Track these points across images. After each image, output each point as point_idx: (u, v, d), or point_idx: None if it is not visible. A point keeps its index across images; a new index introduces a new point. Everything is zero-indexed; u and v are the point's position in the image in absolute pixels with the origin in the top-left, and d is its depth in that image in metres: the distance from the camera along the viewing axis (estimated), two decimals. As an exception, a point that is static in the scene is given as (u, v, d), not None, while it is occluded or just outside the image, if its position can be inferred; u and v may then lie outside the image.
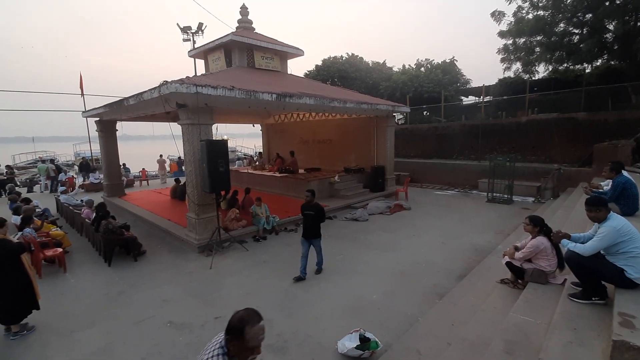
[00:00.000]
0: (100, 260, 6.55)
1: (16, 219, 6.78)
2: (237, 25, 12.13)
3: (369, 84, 23.21)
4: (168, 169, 22.29)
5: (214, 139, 7.11)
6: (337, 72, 23.73)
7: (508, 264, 4.34)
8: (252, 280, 5.55)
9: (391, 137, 12.19)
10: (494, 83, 17.84)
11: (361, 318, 4.25)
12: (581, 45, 12.93)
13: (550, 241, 3.93)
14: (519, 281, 4.28)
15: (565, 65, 14.80)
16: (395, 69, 24.87)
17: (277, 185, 12.15)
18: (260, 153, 18.55)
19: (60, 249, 6.24)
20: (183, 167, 19.71)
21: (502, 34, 15.17)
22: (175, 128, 7.39)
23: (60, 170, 16.40)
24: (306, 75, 24.63)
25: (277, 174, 12.44)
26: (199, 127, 6.78)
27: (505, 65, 15.76)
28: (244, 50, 11.16)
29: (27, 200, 8.24)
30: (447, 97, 18.57)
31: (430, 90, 19.20)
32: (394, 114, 12.47)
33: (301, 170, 12.83)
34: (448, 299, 4.59)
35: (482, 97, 17.11)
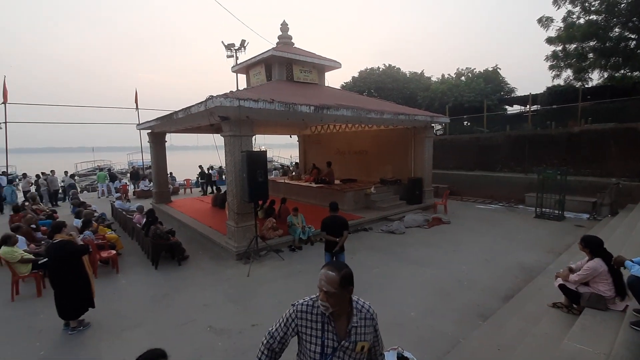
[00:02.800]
0: (148, 263, 6.97)
1: (77, 222, 7.44)
2: (278, 40, 12.60)
3: (406, 95, 22.93)
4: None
5: (253, 150, 7.38)
6: (374, 83, 23.73)
7: (562, 287, 4.01)
8: (287, 290, 5.60)
9: (429, 148, 11.89)
10: (542, 91, 16.85)
11: (399, 335, 4.12)
12: (638, 51, 11.88)
13: (608, 264, 3.60)
14: (574, 306, 3.93)
15: (622, 71, 13.65)
16: (433, 78, 24.40)
17: (313, 195, 12.27)
18: (296, 163, 18.90)
19: (114, 251, 6.75)
20: (223, 177, 20.60)
21: (550, 40, 14.37)
22: (218, 139, 7.77)
23: (115, 178, 17.81)
24: (342, 87, 24.89)
25: (313, 185, 12.57)
26: (240, 139, 7.07)
27: (554, 72, 14.87)
28: (284, 65, 11.55)
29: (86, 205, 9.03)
30: (490, 107, 17.83)
31: (472, 100, 18.55)
32: (432, 125, 12.18)
33: (337, 181, 12.86)
34: (493, 321, 4.32)
35: (528, 106, 16.21)
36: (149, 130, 12.93)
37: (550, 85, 16.43)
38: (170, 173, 18.48)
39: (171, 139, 14.12)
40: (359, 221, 9.52)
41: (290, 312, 1.83)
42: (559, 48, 14.32)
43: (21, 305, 5.29)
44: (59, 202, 15.08)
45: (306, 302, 1.82)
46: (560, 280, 4.05)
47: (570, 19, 13.56)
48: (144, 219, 7.81)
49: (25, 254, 5.70)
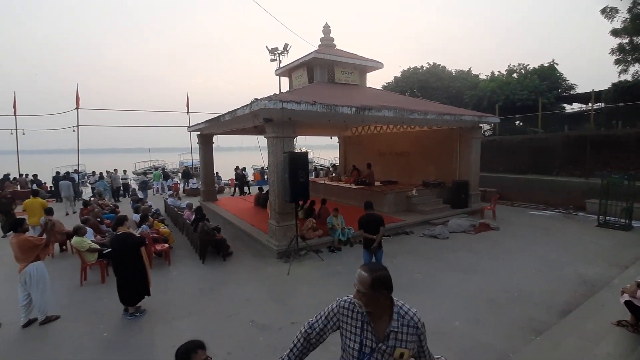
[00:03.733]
0: (196, 258, 7.40)
1: (136, 217, 8.11)
2: (320, 43, 12.74)
3: (452, 94, 22.01)
4: (252, 177, 24.20)
5: (295, 151, 7.54)
6: (417, 83, 23.09)
7: (628, 304, 3.62)
8: (326, 291, 5.64)
9: (477, 149, 11.30)
10: (607, 88, 15.27)
11: (442, 345, 3.97)
12: None
13: None
14: (644, 326, 3.53)
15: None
16: (482, 76, 23.15)
17: (352, 196, 12.22)
18: (335, 165, 18.95)
19: (166, 245, 7.27)
20: (265, 176, 21.25)
21: (615, 33, 13.00)
22: (262, 140, 8.04)
23: (168, 177, 19.14)
24: (384, 87, 24.51)
25: (353, 186, 12.53)
26: (283, 140, 7.26)
27: (620, 67, 13.43)
28: (325, 67, 11.65)
29: (143, 201, 9.82)
30: (545, 105, 16.52)
31: (524, 98, 17.33)
32: (480, 125, 11.57)
33: (377, 183, 12.69)
34: (547, 337, 4.00)
35: (591, 104, 14.78)
36: (199, 132, 13.72)
37: (616, 81, 14.85)
38: (217, 173, 19.47)
39: (218, 140, 14.89)
40: (400, 224, 9.32)
41: (333, 307, 1.86)
42: (626, 41, 12.89)
43: (88, 290, 5.88)
44: (121, 198, 16.53)
45: (349, 299, 1.84)
46: (626, 297, 3.66)
47: (637, 10, 12.14)
48: (193, 216, 8.31)
49: (92, 244, 6.34)
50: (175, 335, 4.40)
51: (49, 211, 7.33)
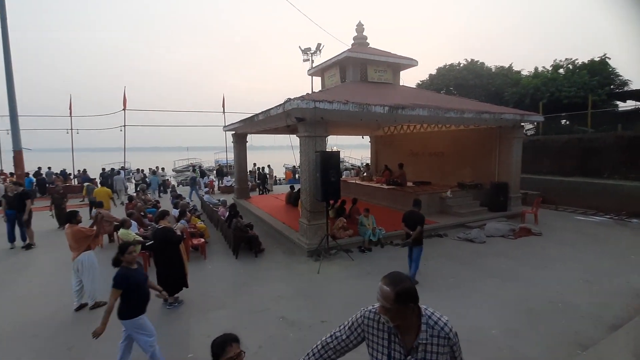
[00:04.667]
0: (230, 253, 7.66)
1: (175, 212, 8.53)
2: (353, 42, 12.67)
3: (491, 91, 21.02)
4: (283, 176, 24.61)
5: (326, 150, 7.57)
6: (453, 80, 22.28)
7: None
8: (356, 291, 5.61)
9: (518, 150, 10.71)
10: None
11: (478, 354, 3.81)
12: None
13: None
14: None
15: None
16: (524, 72, 21.88)
17: (384, 197, 12.06)
18: (367, 164, 18.77)
19: (202, 239, 7.59)
20: (297, 175, 21.53)
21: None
22: (294, 139, 8.15)
23: (204, 175, 19.94)
24: (418, 85, 23.91)
25: (385, 186, 12.35)
26: (315, 139, 7.31)
27: (689, 59, 12.06)
28: (358, 66, 11.57)
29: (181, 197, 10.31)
30: (596, 103, 15.31)
31: (572, 95, 16.18)
32: (522, 124, 10.95)
33: (409, 183, 12.42)
34: (594, 353, 3.72)
35: (651, 100, 13.47)
36: (233, 132, 14.17)
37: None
38: (250, 171, 20.01)
39: (251, 139, 15.27)
40: (433, 226, 9.05)
41: (357, 317, 1.79)
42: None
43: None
44: (161, 194, 17.47)
45: (374, 310, 1.75)
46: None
47: None
48: (227, 213, 8.60)
49: (137, 236, 6.76)
50: (210, 326, 4.59)
51: (99, 204, 7.94)
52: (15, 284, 6.17)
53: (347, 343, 1.80)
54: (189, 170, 26.63)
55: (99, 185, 15.22)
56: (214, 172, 24.38)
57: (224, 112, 21.82)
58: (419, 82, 24.78)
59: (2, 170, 19.57)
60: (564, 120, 16.73)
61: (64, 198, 10.49)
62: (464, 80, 21.90)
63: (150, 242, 5.57)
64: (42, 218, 10.48)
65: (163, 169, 20.46)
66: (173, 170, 32.83)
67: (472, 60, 23.20)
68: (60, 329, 4.60)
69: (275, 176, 20.40)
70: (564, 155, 13.95)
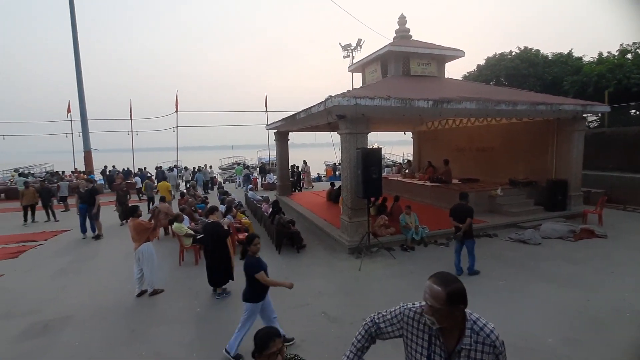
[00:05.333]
0: (272, 248, 7.90)
1: (222, 208, 8.98)
2: (395, 35, 12.37)
3: (547, 81, 19.34)
4: (324, 173, 24.76)
5: (368, 147, 7.49)
6: (504, 70, 20.81)
7: None
8: (399, 290, 5.52)
9: (579, 144, 9.77)
10: None
11: (529, 361, 3.59)
12: None
13: None
14: None
15: None
16: (586, 58, 19.84)
17: (427, 194, 11.67)
18: (409, 161, 18.27)
19: (247, 234, 7.90)
20: (337, 172, 21.56)
21: None
22: (336, 137, 8.17)
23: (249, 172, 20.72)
24: (465, 77, 22.72)
25: (428, 183, 11.95)
26: (356, 136, 7.27)
27: None
28: (400, 59, 11.27)
29: (228, 193, 10.82)
30: (677, 89, 13.43)
31: (645, 82, 14.34)
32: (584, 116, 9.96)
33: (455, 180, 11.89)
34: (673, 370, 3.31)
35: None
36: (275, 130, 14.54)
37: None
38: (298, 166, 20.39)
39: (293, 137, 15.56)
40: (482, 226, 8.59)
41: (398, 312, 1.76)
42: None
43: (185, 270, 6.74)
44: (209, 191, 18.47)
45: (414, 309, 1.70)
46: None
47: None
48: (270, 209, 8.87)
49: (188, 230, 7.24)
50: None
51: (161, 199, 8.62)
52: (87, 270, 6.92)
53: (386, 334, 1.79)
54: (233, 168, 27.82)
55: (155, 182, 16.50)
56: (257, 169, 25.24)
57: (266, 111, 22.48)
58: (466, 73, 23.51)
59: (76, 168, 21.89)
60: (634, 111, 14.89)
61: (127, 195, 11.49)
62: (516, 70, 20.36)
63: (201, 236, 5.93)
64: (109, 212, 11.56)
65: (210, 166, 21.60)
66: (219, 168, 34.50)
67: (525, 47, 21.49)
68: (125, 312, 5.07)
69: (309, 173, 20.55)
70: (633, 149, 12.44)
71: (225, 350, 3.85)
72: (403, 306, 1.76)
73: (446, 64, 12.14)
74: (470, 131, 13.08)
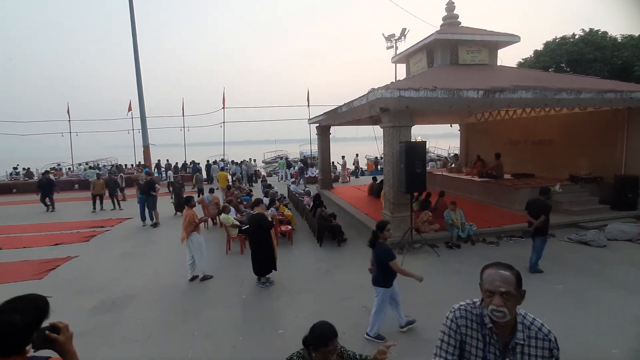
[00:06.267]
0: (314, 241, 8.03)
1: (265, 200, 9.30)
2: (442, 22, 11.80)
3: (616, 66, 17.32)
4: (365, 167, 24.54)
5: (411, 140, 7.29)
6: (566, 56, 18.95)
7: None
8: (443, 289, 5.34)
9: (657, 136, 8.65)
10: None
11: (590, 372, 3.31)
12: None
13: None
14: None
15: None
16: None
17: (475, 190, 11.09)
18: (456, 155, 17.44)
19: (290, 227, 8.12)
20: (379, 166, 21.26)
21: None
22: (378, 130, 8.05)
23: (290, 166, 21.17)
24: (520, 64, 21.06)
25: (477, 178, 11.33)
26: (399, 130, 7.10)
27: None
28: (447, 48, 10.74)
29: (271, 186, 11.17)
30: None
31: None
32: (664, 103, 8.78)
33: (507, 176, 11.15)
34: None
35: None
36: (317, 124, 14.65)
37: None
38: (333, 162, 20.49)
39: (334, 131, 15.58)
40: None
41: (451, 318, 1.62)
42: None
43: (231, 259, 7.12)
44: (253, 184, 19.19)
45: (464, 307, 1.61)
46: None
47: None
48: (312, 202, 9.01)
49: (235, 220, 7.61)
50: (297, 307, 4.93)
51: (210, 191, 9.17)
52: (146, 255, 7.58)
53: (459, 349, 1.60)
54: (276, 162, 28.55)
55: (205, 175, 17.52)
56: (299, 163, 25.68)
57: (308, 105, 22.69)
58: (521, 60, 21.78)
59: (139, 162, 23.91)
60: None
61: (182, 188, 12.30)
62: (580, 55, 18.42)
63: (246, 227, 6.20)
64: (165, 203, 12.47)
65: (254, 160, 22.39)
66: (263, 162, 35.60)
67: (590, 30, 19.34)
68: (179, 294, 5.49)
69: (348, 168, 20.43)
70: None
71: (367, 334, 4.07)
72: (453, 309, 1.64)
73: (499, 51, 11.35)
74: (525, 122, 12.13)
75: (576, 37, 19.53)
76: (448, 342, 1.60)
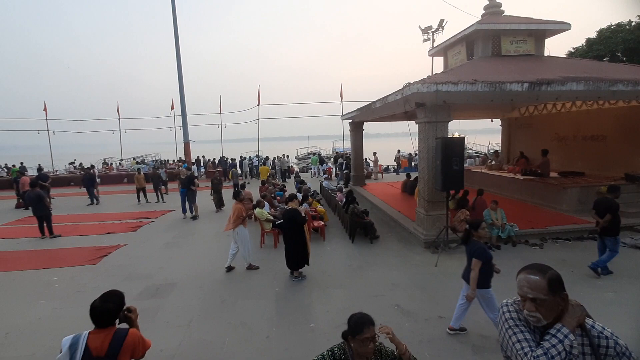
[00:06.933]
0: (346, 237, 8.05)
1: (299, 196, 9.44)
2: (483, 12, 11.21)
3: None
4: (394, 164, 24.03)
5: (448, 136, 7.04)
6: (622, 44, 17.27)
7: None
8: (481, 290, 5.15)
9: None
10: None
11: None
12: None
13: None
14: None
15: None
16: None
17: (517, 189, 10.51)
18: (496, 151, 16.58)
19: (322, 222, 8.20)
20: (413, 163, 20.75)
21: None
22: (413, 126, 7.86)
23: (323, 162, 21.27)
24: (570, 54, 19.53)
25: (519, 176, 10.72)
26: (435, 125, 6.88)
27: None
28: (489, 39, 10.19)
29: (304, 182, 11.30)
30: None
31: None
32: None
33: (554, 174, 10.44)
34: None
35: None
36: (350, 120, 14.58)
37: None
38: (365, 159, 20.30)
39: (367, 127, 15.41)
40: (587, 227, 7.44)
41: (505, 310, 1.56)
42: None
43: (265, 252, 7.32)
44: (286, 179, 19.53)
45: (510, 303, 1.57)
46: None
47: None
48: (344, 198, 9.00)
49: (269, 215, 7.81)
50: (329, 302, 4.98)
51: (242, 187, 9.48)
52: (186, 245, 8.00)
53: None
54: (309, 158, 28.79)
55: (240, 170, 18.13)
56: (331, 159, 25.69)
57: (341, 101, 22.65)
58: (571, 50, 20.16)
59: (180, 158, 25.22)
60: None
61: (221, 184, 12.77)
62: (638, 43, 16.70)
63: (280, 221, 6.35)
64: (204, 197, 13.02)
65: (287, 156, 22.74)
66: (296, 158, 36.03)
67: (655, 13, 17.42)
68: (216, 284, 5.75)
69: (380, 165, 20.09)
70: None
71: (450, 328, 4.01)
72: (504, 303, 1.61)
73: (546, 41, 10.59)
74: (575, 117, 11.25)
75: (632, 23, 17.72)
76: (517, 321, 1.51)
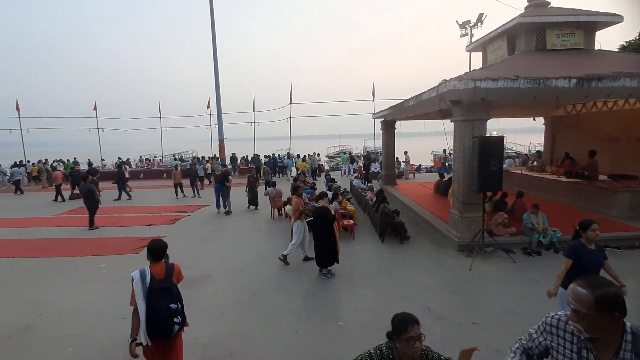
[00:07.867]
0: (376, 236, 7.97)
1: (329, 194, 9.47)
2: (527, 4, 10.60)
3: None
4: (432, 164, 23.42)
5: (486, 135, 6.75)
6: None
7: None
8: (518, 298, 4.90)
9: None
10: None
11: None
12: None
13: None
14: None
15: None
16: None
17: (561, 192, 9.86)
18: (538, 151, 15.63)
19: (352, 221, 8.17)
20: (447, 164, 20.08)
21: None
22: (447, 124, 7.62)
23: (353, 160, 21.17)
24: (623, 48, 17.96)
25: (564, 179, 10.05)
26: (473, 123, 6.62)
27: None
28: (532, 32, 9.61)
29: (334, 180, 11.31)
30: None
31: None
32: None
33: (602, 177, 9.68)
34: None
35: None
36: (382, 119, 14.37)
37: None
38: (397, 158, 19.94)
39: (400, 125, 15.13)
40: (637, 234, 6.86)
41: (540, 323, 1.67)
42: None
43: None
44: (316, 178, 19.64)
45: (557, 317, 1.58)
46: None
47: None
48: (375, 198, 8.91)
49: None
50: (358, 301, 4.97)
51: (273, 184, 9.71)
52: (220, 239, 8.31)
53: (541, 348, 1.65)
54: (339, 157, 28.75)
55: (269, 168, 18.49)
56: (362, 158, 25.48)
57: (373, 99, 22.38)
58: (624, 43, 18.52)
59: (214, 155, 26.18)
60: None
61: (257, 181, 13.08)
62: None
63: (310, 219, 6.41)
64: (238, 193, 13.41)
65: (318, 154, 22.83)
66: (326, 156, 36.08)
67: None
68: (248, 278, 5.92)
69: (412, 164, 19.59)
70: None
71: None
72: (547, 315, 1.66)
73: (597, 33, 9.81)
74: (627, 115, 10.32)
75: None
76: (531, 335, 1.70)
